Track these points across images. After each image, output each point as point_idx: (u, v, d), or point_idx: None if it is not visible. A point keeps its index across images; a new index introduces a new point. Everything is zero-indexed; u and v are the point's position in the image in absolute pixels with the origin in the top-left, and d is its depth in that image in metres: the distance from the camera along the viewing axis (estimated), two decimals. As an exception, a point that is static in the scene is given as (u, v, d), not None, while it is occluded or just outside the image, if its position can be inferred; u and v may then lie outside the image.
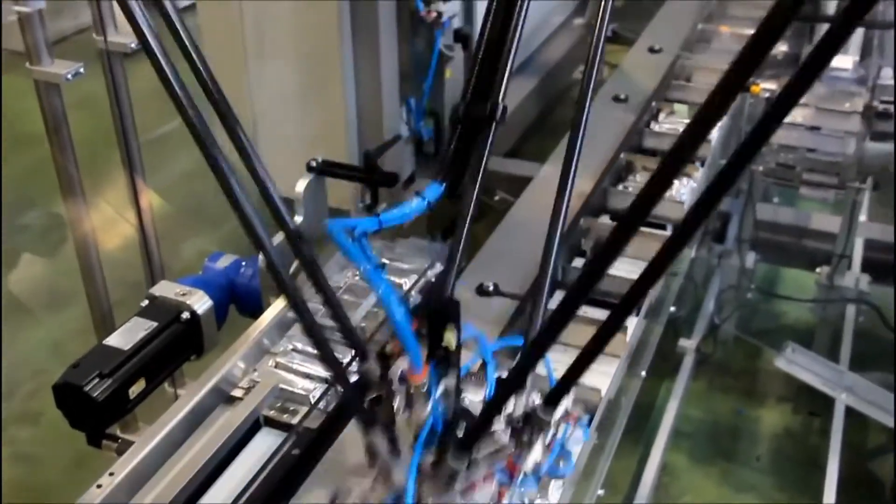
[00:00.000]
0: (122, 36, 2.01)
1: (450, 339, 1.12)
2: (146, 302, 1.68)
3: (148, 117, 2.31)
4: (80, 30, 5.60)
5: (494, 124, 1.34)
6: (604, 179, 2.19)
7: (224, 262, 1.94)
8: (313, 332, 1.12)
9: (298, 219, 1.90)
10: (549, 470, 1.26)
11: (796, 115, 2.79)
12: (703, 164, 2.31)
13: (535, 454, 1.21)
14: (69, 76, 1.87)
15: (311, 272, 1.16)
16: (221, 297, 1.80)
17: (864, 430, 3.01)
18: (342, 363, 1.18)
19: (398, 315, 1.09)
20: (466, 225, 1.28)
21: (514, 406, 1.16)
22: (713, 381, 3.29)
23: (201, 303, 1.68)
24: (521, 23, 1.33)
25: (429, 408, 1.12)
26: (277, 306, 1.76)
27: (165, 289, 1.70)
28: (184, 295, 1.68)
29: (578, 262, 2.06)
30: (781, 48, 3.15)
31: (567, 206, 1.36)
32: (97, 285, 2.24)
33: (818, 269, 3.28)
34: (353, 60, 2.91)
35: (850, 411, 2.73)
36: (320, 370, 1.64)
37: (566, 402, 1.24)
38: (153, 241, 2.37)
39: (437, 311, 1.13)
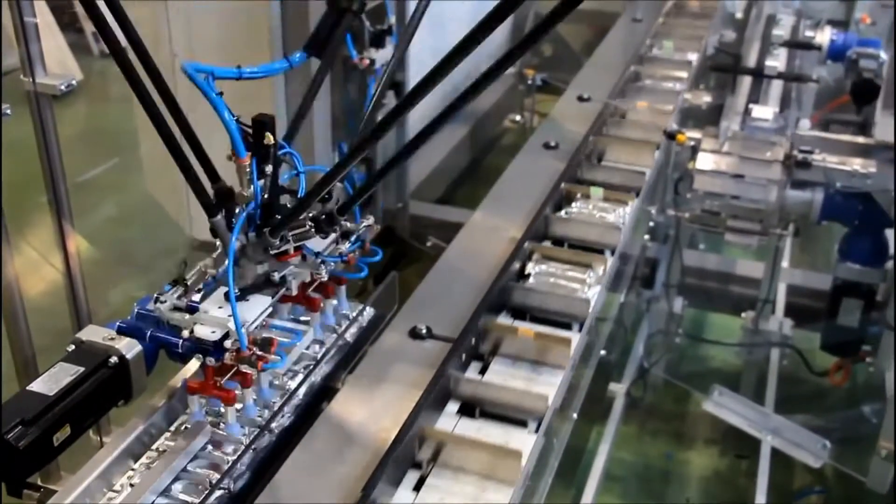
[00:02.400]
0: (51, 78, 1.98)
1: (269, 137, 1.54)
2: (72, 347, 1.64)
3: (73, 162, 2.28)
4: (5, 72, 5.50)
5: (353, 13, 1.72)
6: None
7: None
8: (178, 155, 1.47)
9: (230, 262, 1.89)
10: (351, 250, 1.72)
11: (720, 163, 2.87)
12: (637, 194, 2.37)
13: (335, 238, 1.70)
14: (-5, 117, 1.84)
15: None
16: (151, 342, 1.76)
17: (789, 470, 3.07)
18: (199, 180, 1.52)
19: (227, 116, 1.50)
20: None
21: (321, 211, 1.61)
22: (644, 424, 3.32)
23: (130, 347, 1.64)
24: None
25: (251, 188, 1.55)
26: (208, 351, 1.73)
27: (92, 333, 1.65)
28: (112, 339, 1.64)
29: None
30: (705, 98, 3.25)
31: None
32: (21, 331, 2.18)
33: (743, 314, 3.37)
34: (286, 106, 2.92)
35: (775, 452, 2.79)
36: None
37: (370, 220, 1.77)
38: (80, 286, 2.32)
39: (258, 119, 1.54)
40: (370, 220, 1.78)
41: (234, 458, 1.56)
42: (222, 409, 1.58)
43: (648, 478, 3.19)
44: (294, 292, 1.65)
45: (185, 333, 1.53)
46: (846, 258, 3.02)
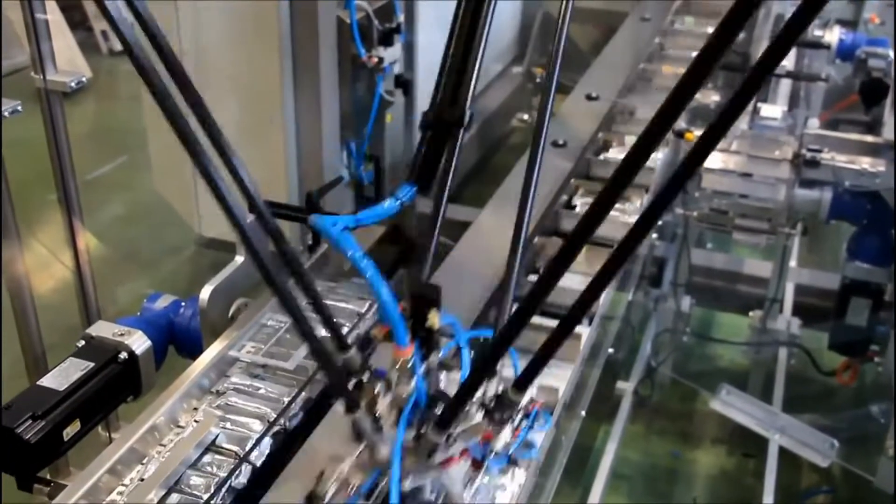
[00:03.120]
0: (61, 75, 1.99)
1: (433, 319, 1.20)
2: (82, 342, 1.65)
3: (82, 160, 2.29)
4: (14, 71, 5.54)
5: (463, 128, 1.42)
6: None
7: (163, 302, 1.92)
8: (299, 319, 1.10)
9: (240, 258, 1.90)
10: (517, 451, 1.36)
11: (729, 161, 2.87)
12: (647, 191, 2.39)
13: (505, 435, 1.29)
14: (6, 113, 1.85)
15: (294, 267, 1.15)
16: (160, 338, 1.78)
17: (796, 470, 3.06)
18: (328, 351, 1.18)
19: (385, 294, 1.16)
20: (439, 222, 1.40)
21: (485, 391, 1.23)
22: (650, 423, 3.32)
23: (140, 343, 1.65)
24: (486, 32, 1.42)
25: (413, 384, 1.19)
26: (217, 347, 1.74)
27: (103, 329, 1.67)
28: (122, 335, 1.65)
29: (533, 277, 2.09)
30: (714, 98, 3.25)
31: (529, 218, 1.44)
32: (31, 328, 2.19)
33: (751, 313, 3.36)
34: (294, 104, 2.92)
35: (783, 452, 2.78)
36: (263, 406, 1.63)
37: (531, 392, 1.28)
38: (90, 284, 2.32)
39: (420, 293, 1.22)
40: (531, 391, 1.31)
41: (246, 451, 1.56)
42: None
43: (655, 477, 3.19)
44: None
45: None
46: (855, 257, 3.02)
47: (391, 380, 1.20)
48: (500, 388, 1.23)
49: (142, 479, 1.50)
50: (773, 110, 3.02)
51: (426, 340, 1.21)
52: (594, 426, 2.98)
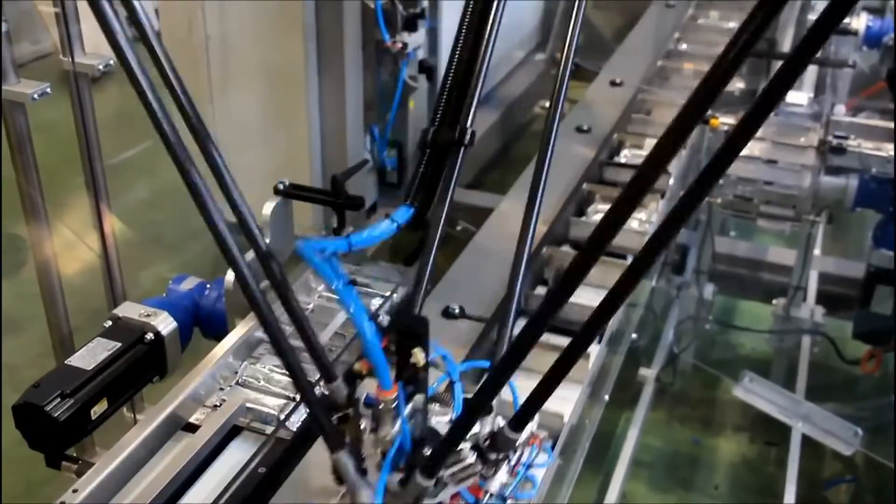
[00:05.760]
0: (89, 58, 2.00)
1: (418, 356, 1.12)
2: (109, 323, 1.67)
3: (105, 145, 2.31)
4: (39, 56, 5.57)
5: (463, 148, 1.37)
6: (568, 205, 2.23)
7: (188, 284, 1.93)
8: (282, 351, 1.10)
9: (266, 240, 1.89)
10: (514, 492, 1.25)
11: (753, 148, 2.85)
12: (662, 197, 2.35)
13: (501, 476, 1.21)
14: (35, 96, 1.86)
15: (281, 291, 1.15)
16: (185, 319, 1.79)
17: (820, 459, 3.05)
18: (311, 382, 1.15)
19: (368, 332, 1.06)
20: (435, 246, 1.31)
21: (481, 428, 1.16)
22: (672, 410, 3.32)
23: (165, 324, 1.66)
24: (489, 48, 1.38)
25: (397, 426, 1.11)
26: (242, 329, 1.75)
27: (129, 310, 1.68)
28: (148, 316, 1.66)
29: (541, 290, 2.08)
30: (738, 85, 3.23)
31: (533, 234, 1.37)
32: (58, 309, 2.21)
33: (774, 301, 3.35)
34: (319, 89, 2.93)
35: (806, 440, 2.77)
36: (287, 389, 1.64)
37: (530, 426, 1.24)
38: (116, 266, 2.34)
39: (406, 329, 1.14)
40: (533, 426, 1.27)
41: (271, 433, 1.57)
42: None
43: (676, 464, 3.18)
44: None
45: None
46: (880, 245, 3.00)
47: (378, 417, 1.11)
48: (497, 425, 1.14)
49: (168, 459, 1.52)
50: (799, 97, 3.00)
51: (412, 378, 1.13)
52: (616, 413, 2.98)
